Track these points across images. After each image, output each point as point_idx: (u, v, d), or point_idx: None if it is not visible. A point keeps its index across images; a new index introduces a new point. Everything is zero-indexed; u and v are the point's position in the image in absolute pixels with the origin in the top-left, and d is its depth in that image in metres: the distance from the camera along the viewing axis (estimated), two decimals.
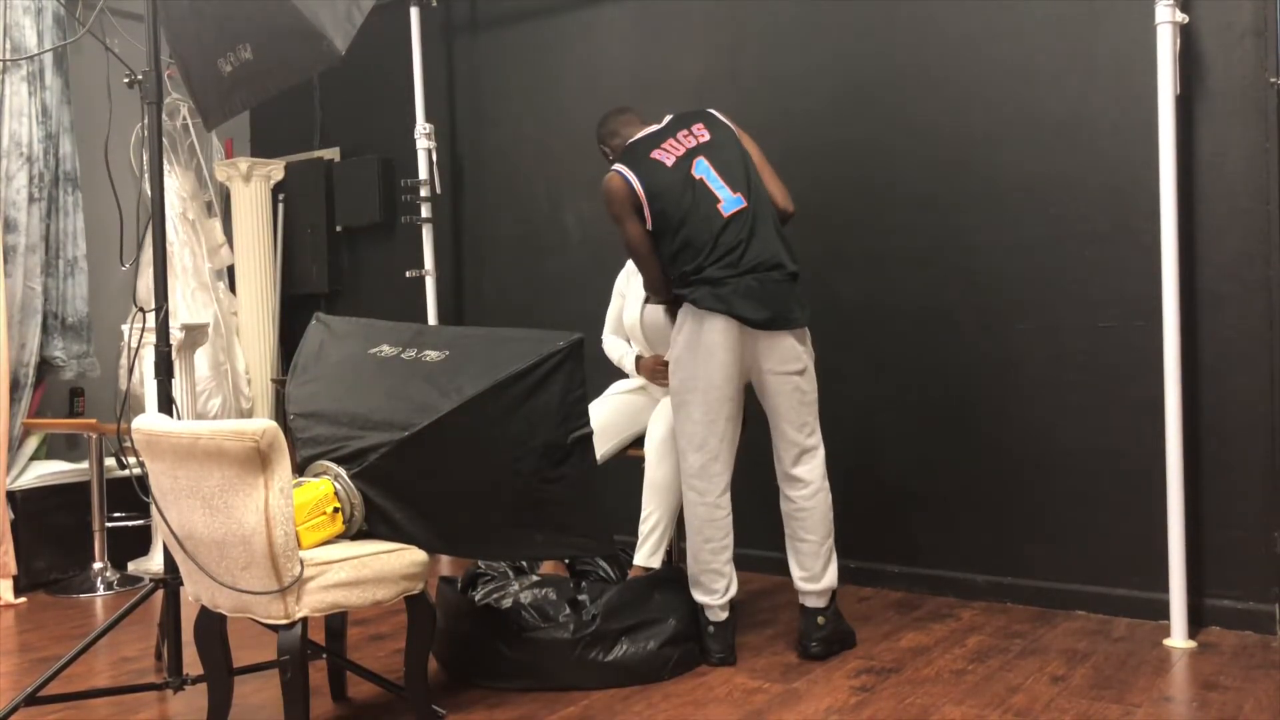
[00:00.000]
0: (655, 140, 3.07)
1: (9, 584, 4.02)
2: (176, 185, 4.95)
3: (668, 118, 3.14)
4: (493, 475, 2.60)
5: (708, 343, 2.92)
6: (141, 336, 2.95)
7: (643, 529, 3.19)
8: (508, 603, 2.87)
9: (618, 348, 3.56)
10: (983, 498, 3.59)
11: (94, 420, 4.25)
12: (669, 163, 3.01)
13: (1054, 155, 3.43)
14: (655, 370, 3.37)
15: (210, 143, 5.36)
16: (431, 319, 4.83)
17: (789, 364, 2.98)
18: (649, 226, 3.01)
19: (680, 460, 3.06)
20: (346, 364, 2.85)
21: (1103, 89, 3.34)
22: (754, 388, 3.06)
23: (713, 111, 3.15)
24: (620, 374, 3.59)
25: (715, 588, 3.00)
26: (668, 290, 3.08)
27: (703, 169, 3.00)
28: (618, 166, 3.05)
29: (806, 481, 3.02)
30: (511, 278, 4.81)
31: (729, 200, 2.97)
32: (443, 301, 4.89)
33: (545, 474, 2.62)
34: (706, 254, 2.92)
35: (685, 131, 3.07)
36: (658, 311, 3.27)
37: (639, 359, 3.46)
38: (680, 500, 3.14)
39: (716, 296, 2.90)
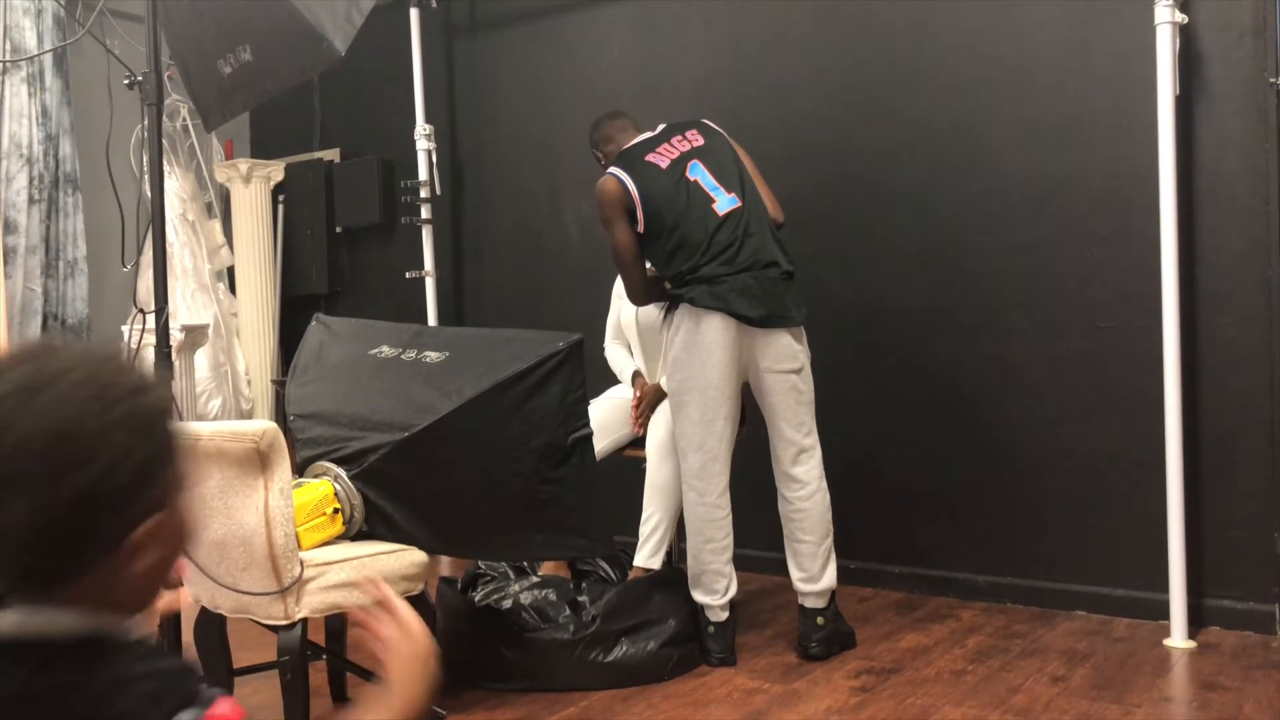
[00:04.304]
0: (650, 145, 3.08)
1: None
2: (176, 186, 4.96)
3: (661, 126, 3.15)
4: (493, 476, 2.60)
5: (705, 342, 2.92)
6: (141, 337, 2.95)
7: (643, 530, 3.19)
8: (507, 604, 2.87)
9: (619, 359, 3.57)
10: (983, 498, 3.59)
11: None
12: (664, 165, 3.02)
13: (1054, 155, 3.43)
14: (644, 399, 3.38)
15: (210, 144, 5.36)
16: (431, 319, 4.83)
17: (785, 362, 2.98)
18: (641, 229, 3.01)
19: (680, 461, 3.06)
20: (346, 365, 2.85)
21: (1103, 89, 3.34)
22: (751, 387, 3.06)
23: (706, 121, 3.17)
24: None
25: (716, 588, 3.00)
26: (646, 296, 3.12)
27: (697, 171, 3.02)
28: (613, 170, 3.05)
29: (804, 482, 3.02)
30: (511, 278, 4.82)
31: (724, 200, 2.98)
32: (443, 301, 4.89)
33: (545, 474, 2.62)
34: (702, 253, 2.92)
35: (679, 137, 3.09)
36: (650, 312, 3.28)
37: (636, 374, 3.48)
38: (681, 502, 3.14)
39: (714, 294, 2.90)
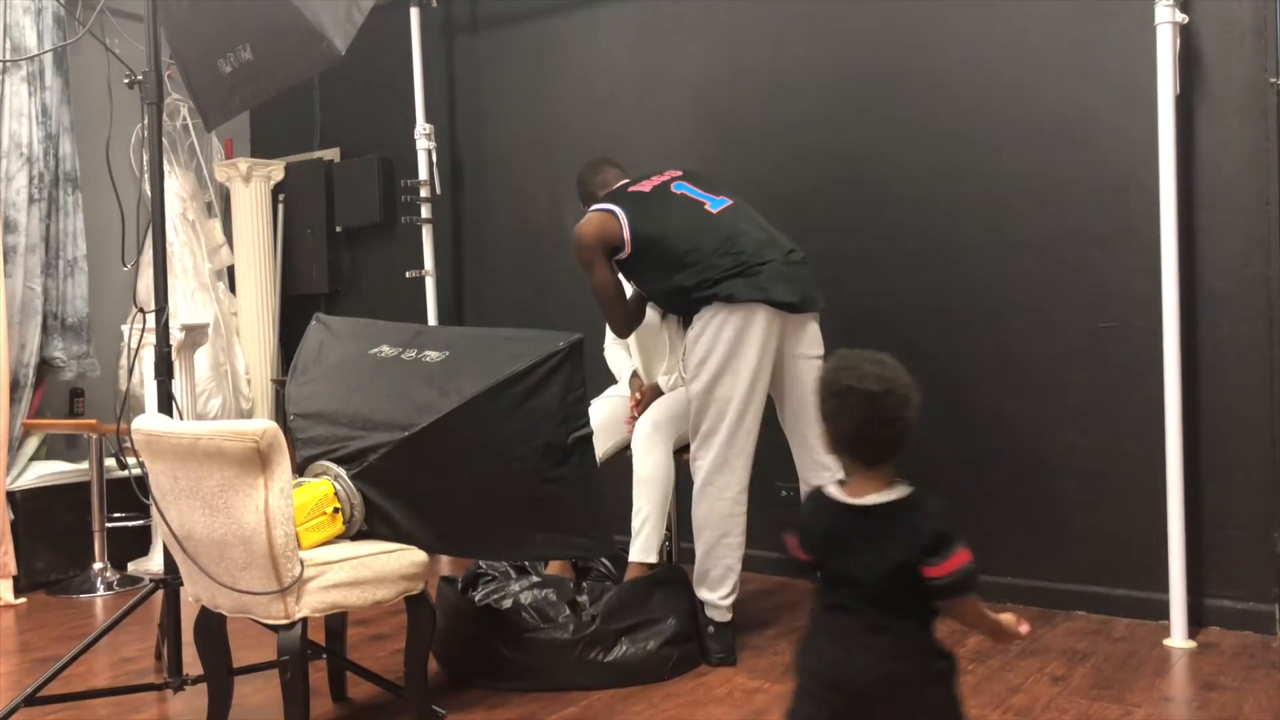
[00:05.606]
0: (632, 183, 3.15)
1: (9, 584, 4.02)
2: (177, 186, 4.95)
3: (637, 177, 3.22)
4: (493, 475, 2.60)
5: (751, 336, 2.87)
6: (141, 337, 2.95)
7: (635, 523, 3.16)
8: (507, 603, 2.87)
9: (618, 360, 3.56)
10: (983, 497, 3.58)
11: (94, 420, 4.25)
12: (647, 190, 3.09)
13: (1054, 155, 3.43)
14: (643, 399, 3.34)
15: (210, 143, 5.36)
16: (431, 319, 4.83)
17: (815, 348, 3.01)
18: (628, 250, 2.99)
19: (702, 456, 3.00)
20: (346, 364, 2.85)
21: (1103, 89, 3.34)
22: (774, 377, 3.01)
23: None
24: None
25: (725, 586, 2.99)
26: (628, 327, 3.22)
27: (681, 187, 3.09)
28: (595, 207, 3.08)
29: (834, 469, 3.01)
30: (511, 278, 4.81)
31: (713, 201, 3.04)
32: (443, 301, 4.89)
33: (545, 474, 2.62)
34: (713, 249, 2.91)
35: (656, 174, 3.16)
36: (649, 313, 3.28)
37: (634, 374, 3.47)
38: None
39: (753, 285, 2.87)
